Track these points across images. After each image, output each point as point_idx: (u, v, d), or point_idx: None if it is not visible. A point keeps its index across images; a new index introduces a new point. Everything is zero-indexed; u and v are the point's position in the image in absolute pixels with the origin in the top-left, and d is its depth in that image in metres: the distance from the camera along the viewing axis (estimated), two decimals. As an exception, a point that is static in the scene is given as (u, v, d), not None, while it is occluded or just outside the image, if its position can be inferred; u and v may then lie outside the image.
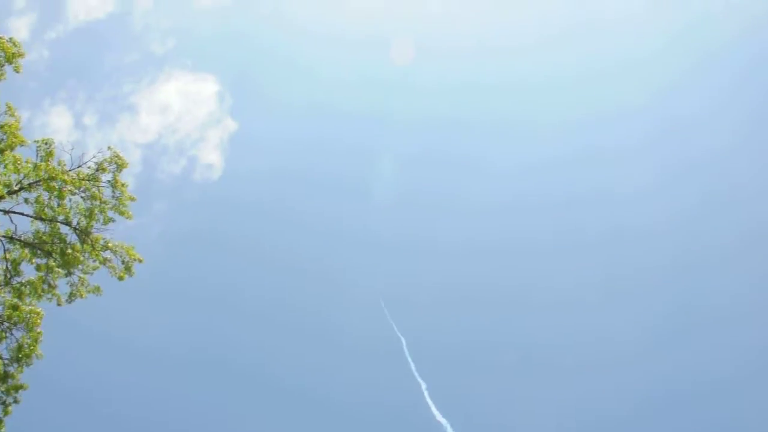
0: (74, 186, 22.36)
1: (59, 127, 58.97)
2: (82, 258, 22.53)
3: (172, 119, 66.42)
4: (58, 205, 22.28)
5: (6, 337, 22.65)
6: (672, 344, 60.27)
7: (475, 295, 64.10)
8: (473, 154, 69.98)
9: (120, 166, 23.02)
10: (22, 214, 22.39)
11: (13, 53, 21.49)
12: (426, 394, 52.67)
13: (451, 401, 56.48)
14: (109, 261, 23.07)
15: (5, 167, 21.90)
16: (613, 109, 72.73)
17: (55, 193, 22.06)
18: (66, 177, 22.26)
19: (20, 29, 59.65)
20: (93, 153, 22.93)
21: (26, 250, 22.50)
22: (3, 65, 21.35)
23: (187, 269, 61.67)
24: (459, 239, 66.06)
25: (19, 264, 22.51)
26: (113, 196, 23.05)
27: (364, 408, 56.42)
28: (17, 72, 21.69)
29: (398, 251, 66.62)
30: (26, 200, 22.26)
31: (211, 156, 65.61)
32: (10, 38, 21.27)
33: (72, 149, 22.66)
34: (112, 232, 23.28)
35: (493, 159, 70.14)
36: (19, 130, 21.90)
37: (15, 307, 22.54)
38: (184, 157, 65.81)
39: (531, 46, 76.09)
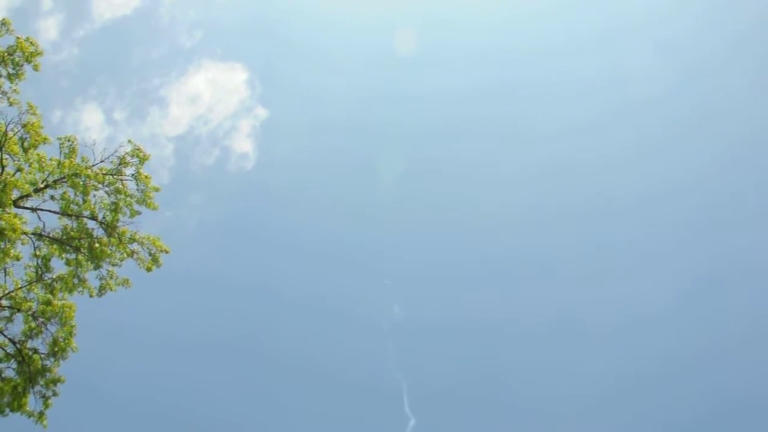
0: (98, 181, 22.66)
1: (91, 124, 59.65)
2: (109, 251, 22.88)
3: (203, 110, 66.72)
4: (84, 201, 22.62)
5: (42, 332, 23.22)
6: (704, 301, 58.85)
7: (501, 268, 63.32)
8: (506, 121, 68.85)
9: (142, 159, 23.26)
10: (50, 211, 22.82)
11: (31, 52, 21.72)
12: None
13: (481, 374, 56.47)
14: (137, 253, 23.40)
15: (30, 166, 22.33)
16: (633, 65, 70.72)
17: (80, 189, 22.38)
18: (89, 172, 22.59)
19: (49, 30, 60.34)
20: (114, 148, 23.25)
21: (55, 246, 22.92)
22: (22, 65, 21.64)
23: (225, 259, 62.14)
24: (482, 210, 65.24)
25: (49, 260, 22.95)
26: (137, 189, 23.34)
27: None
28: (36, 71, 21.94)
29: (432, 226, 65.89)
30: (52, 197, 22.69)
31: (244, 145, 65.84)
32: (27, 37, 21.51)
33: (94, 144, 23.00)
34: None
35: (517, 125, 68.94)
36: (42, 128, 22.23)
37: (48, 302, 23.08)
38: (217, 147, 66.17)
39: (545, 10, 74.23)
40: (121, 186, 23.04)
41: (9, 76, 21.24)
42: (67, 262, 22.99)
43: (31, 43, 21.64)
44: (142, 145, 23.58)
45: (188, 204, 62.46)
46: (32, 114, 22.33)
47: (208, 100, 67.33)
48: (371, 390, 55.31)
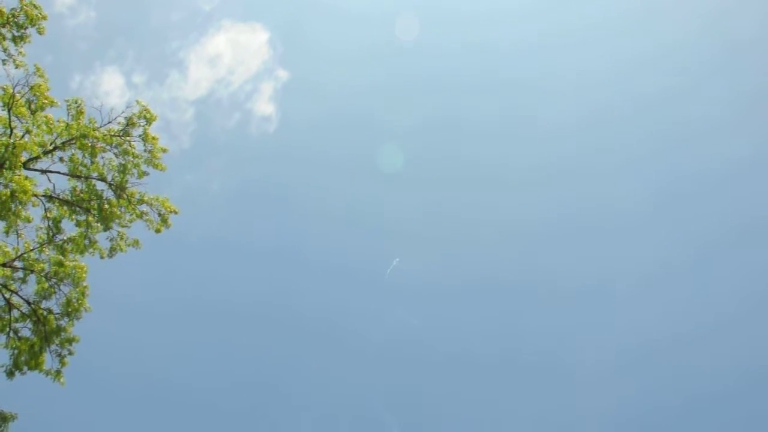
0: (106, 142, 22.76)
1: (110, 87, 59.77)
2: (119, 213, 23.07)
3: (223, 72, 66.45)
4: (92, 163, 22.77)
5: (55, 293, 23.65)
6: (728, 254, 57.40)
7: (519, 228, 62.61)
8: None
9: (149, 120, 23.29)
10: (59, 172, 23.02)
11: (35, 15, 21.71)
12: None
13: (498, 338, 56.49)
14: (146, 214, 23.59)
15: (38, 128, 22.47)
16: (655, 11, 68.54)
17: (88, 150, 22.51)
18: (97, 134, 22.69)
19: (66, -7, 60.34)
20: (122, 108, 23.29)
21: (65, 208, 23.17)
22: (26, 27, 21.65)
23: (247, 223, 62.42)
24: (502, 170, 64.40)
25: (60, 222, 23.21)
26: (145, 150, 23.42)
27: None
28: (41, 34, 21.93)
29: (454, 186, 65.18)
30: (61, 159, 22.86)
31: (266, 107, 65.56)
32: (30, 1, 21.49)
33: (101, 106, 23.05)
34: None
35: (540, 80, 67.56)
36: (49, 90, 22.30)
37: (60, 264, 23.45)
38: (238, 110, 66.04)
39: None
40: (128, 147, 23.12)
41: (14, 39, 21.28)
42: (78, 224, 23.23)
43: (35, 6, 21.60)
44: (153, 107, 23.63)
45: (209, 168, 62.79)
46: (39, 76, 22.42)
47: (229, 62, 67.06)
48: (390, 352, 55.69)
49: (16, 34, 21.48)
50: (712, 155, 60.71)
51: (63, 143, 22.72)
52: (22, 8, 21.48)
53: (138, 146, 23.31)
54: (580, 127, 64.75)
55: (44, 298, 23.61)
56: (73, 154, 22.80)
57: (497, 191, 62.95)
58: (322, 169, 64.38)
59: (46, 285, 23.48)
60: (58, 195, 23.06)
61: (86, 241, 23.35)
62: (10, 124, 21.93)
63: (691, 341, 54.23)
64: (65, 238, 23.34)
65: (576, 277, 58.87)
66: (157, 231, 23.56)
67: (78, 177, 22.90)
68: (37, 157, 22.36)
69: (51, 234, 23.20)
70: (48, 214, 23.17)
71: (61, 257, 23.26)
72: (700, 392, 52.25)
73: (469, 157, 64.50)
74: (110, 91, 58.04)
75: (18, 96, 21.98)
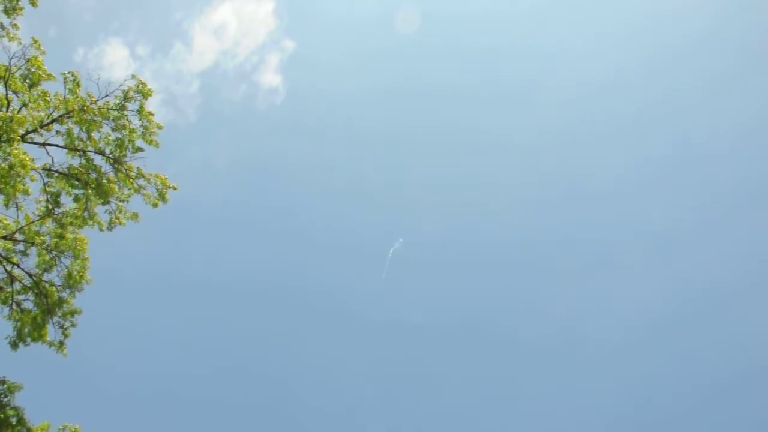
0: (102, 116, 22.67)
1: (114, 59, 59.46)
2: (116, 188, 23.06)
3: (229, 44, 65.86)
4: (88, 138, 22.74)
5: (56, 265, 23.86)
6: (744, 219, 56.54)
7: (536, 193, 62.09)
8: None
9: (145, 95, 23.16)
10: (57, 146, 23.00)
11: (25, -14, 21.57)
12: None
13: (515, 307, 56.45)
14: (144, 188, 23.59)
15: (34, 102, 22.44)
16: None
17: (85, 125, 22.46)
18: (94, 108, 22.61)
19: (68, -36, 59.82)
20: (119, 83, 23.15)
21: (64, 182, 23.19)
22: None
23: (255, 195, 62.31)
24: (524, 135, 63.70)
25: (59, 196, 23.22)
26: (141, 125, 23.34)
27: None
28: (34, 6, 21.81)
29: (463, 156, 64.58)
30: (58, 132, 22.83)
31: (272, 79, 65.05)
32: (19, -28, 21.36)
33: (98, 79, 22.93)
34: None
35: (553, 46, 66.57)
36: (42, 64, 22.23)
37: (61, 236, 23.60)
38: (245, 82, 65.61)
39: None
40: (125, 122, 23.04)
41: (6, 10, 21.19)
42: (76, 198, 23.23)
43: (24, -22, 21.46)
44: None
45: (215, 140, 62.68)
46: (36, 48, 22.29)
47: (234, 33, 66.49)
48: (396, 330, 55.76)
49: (8, 5, 21.37)
50: (721, 118, 59.69)
51: (60, 116, 22.67)
52: (14, -21, 21.36)
53: (134, 121, 23.21)
54: (585, 93, 63.95)
55: (46, 270, 23.81)
56: (69, 128, 22.75)
57: (503, 159, 62.47)
58: (330, 141, 63.97)
59: (47, 257, 23.67)
60: (57, 169, 23.08)
61: (85, 214, 23.41)
62: (7, 98, 21.92)
63: (699, 311, 53.95)
64: (64, 211, 23.38)
65: (581, 246, 58.58)
66: (154, 206, 23.55)
67: (76, 150, 22.88)
68: (34, 130, 22.34)
69: (50, 207, 23.27)
70: (47, 188, 23.20)
71: (61, 230, 23.40)
72: (706, 367, 52.04)
73: (475, 125, 63.91)
74: (114, 63, 57.84)
75: (14, 68, 21.94)
